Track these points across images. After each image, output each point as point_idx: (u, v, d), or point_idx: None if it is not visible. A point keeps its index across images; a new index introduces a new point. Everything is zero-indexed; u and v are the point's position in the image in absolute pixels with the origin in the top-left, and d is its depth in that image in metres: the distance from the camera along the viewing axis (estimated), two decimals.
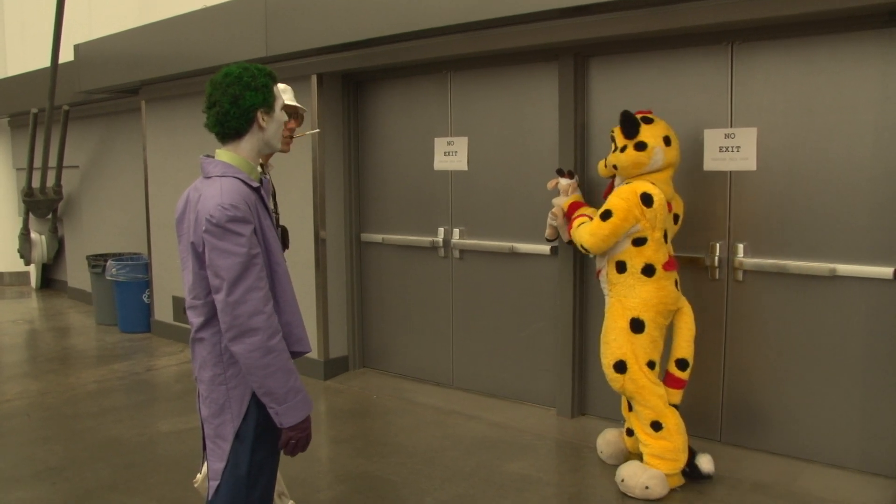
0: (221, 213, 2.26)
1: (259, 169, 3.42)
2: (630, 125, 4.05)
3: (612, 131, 4.17)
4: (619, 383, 4.07)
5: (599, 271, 4.26)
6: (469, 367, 5.83)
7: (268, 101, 2.45)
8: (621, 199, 3.96)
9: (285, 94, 3.48)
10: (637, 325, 4.02)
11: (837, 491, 3.99)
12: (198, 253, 2.33)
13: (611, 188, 4.23)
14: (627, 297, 4.04)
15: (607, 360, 4.10)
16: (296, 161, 6.04)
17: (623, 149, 4.05)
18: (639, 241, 4.00)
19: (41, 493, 4.20)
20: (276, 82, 2.52)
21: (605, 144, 4.66)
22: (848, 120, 4.07)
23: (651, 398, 4.03)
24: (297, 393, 2.36)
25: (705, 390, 4.62)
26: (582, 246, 4.12)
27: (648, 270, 3.99)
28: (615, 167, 4.13)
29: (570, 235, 4.40)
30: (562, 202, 4.54)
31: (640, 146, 4.02)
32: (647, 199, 3.95)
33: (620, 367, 4.04)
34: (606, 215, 3.97)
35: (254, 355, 2.27)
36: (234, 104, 2.39)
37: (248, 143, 2.46)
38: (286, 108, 3.42)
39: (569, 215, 4.46)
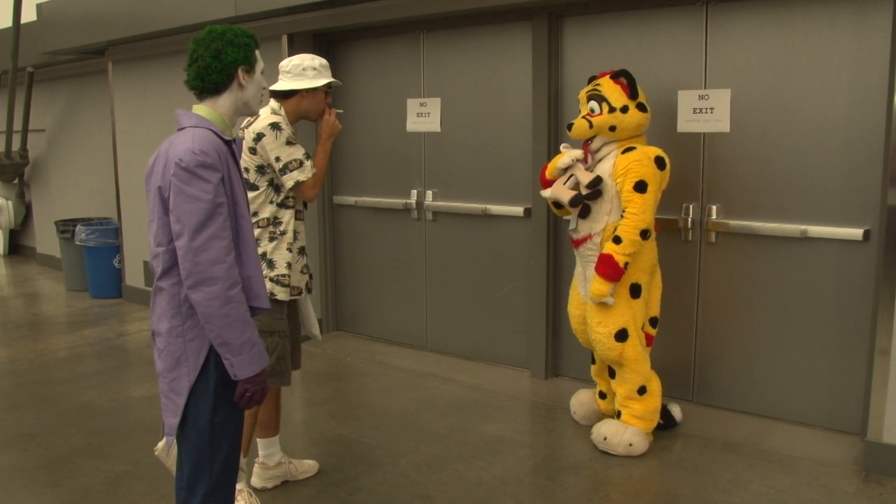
0: (191, 157, 2.26)
1: (290, 127, 3.51)
2: (634, 84, 3.98)
3: (599, 90, 4.00)
4: (616, 352, 3.99)
5: (586, 238, 4.05)
6: (443, 330, 5.84)
7: (249, 59, 2.49)
8: (644, 165, 3.85)
9: (326, 70, 3.59)
10: (636, 291, 4.02)
11: (805, 448, 4.06)
12: (164, 198, 2.32)
13: (586, 150, 4.08)
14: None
15: (608, 329, 3.99)
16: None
17: (625, 109, 3.95)
18: None
19: (13, 459, 4.17)
20: (257, 45, 2.54)
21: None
22: (822, 81, 4.07)
23: (643, 365, 4.05)
24: (253, 346, 2.36)
25: (677, 351, 4.66)
26: (642, 231, 3.83)
27: (645, 234, 3.89)
28: (612, 128, 3.96)
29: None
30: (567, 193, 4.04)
31: (642, 107, 4.00)
32: (661, 163, 3.93)
33: (622, 335, 3.98)
34: (644, 187, 3.83)
35: (212, 304, 2.25)
36: (215, 58, 2.41)
37: (227, 101, 2.48)
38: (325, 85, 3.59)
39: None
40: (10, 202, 10.61)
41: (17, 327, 7.04)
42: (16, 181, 10.37)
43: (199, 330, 2.37)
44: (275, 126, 3.43)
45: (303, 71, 3.51)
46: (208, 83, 2.44)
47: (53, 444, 4.34)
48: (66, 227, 8.44)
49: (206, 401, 2.40)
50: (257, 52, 2.54)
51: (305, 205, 3.69)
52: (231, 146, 2.45)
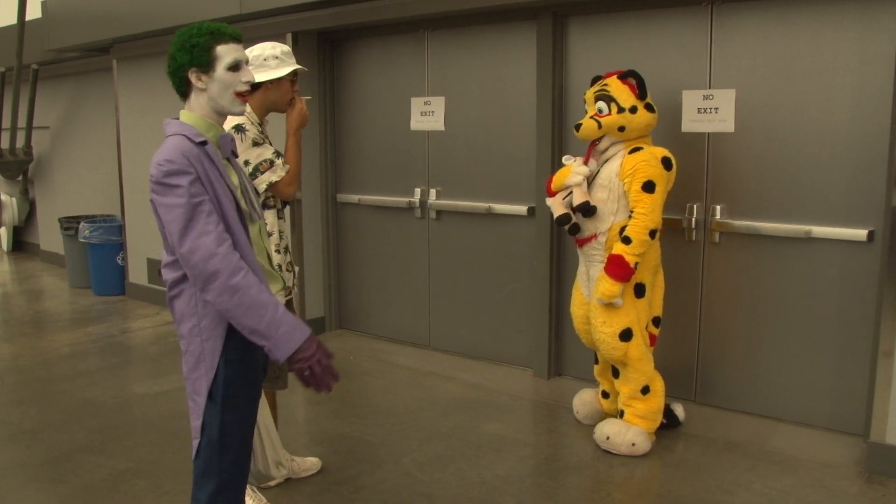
0: (158, 170, 2.26)
1: (256, 126, 3.44)
2: (644, 85, 3.97)
3: (608, 90, 3.98)
4: (621, 352, 3.99)
5: (591, 238, 4.07)
6: (446, 328, 5.84)
7: (197, 60, 2.36)
8: (651, 166, 3.85)
9: (289, 57, 3.44)
10: (640, 290, 4.02)
11: (808, 449, 4.05)
12: (156, 211, 2.33)
13: (591, 150, 4.11)
14: None
15: (612, 328, 3.98)
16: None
17: (633, 109, 3.94)
18: None
19: (16, 455, 4.17)
20: (218, 42, 2.37)
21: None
22: (827, 82, 4.06)
23: (647, 365, 4.05)
24: (282, 324, 2.26)
25: (680, 351, 4.66)
26: (651, 231, 3.86)
27: (653, 234, 3.89)
28: (621, 129, 3.95)
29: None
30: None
31: (650, 108, 4.00)
32: (667, 163, 3.92)
33: (627, 335, 3.97)
34: (652, 187, 3.83)
35: (222, 299, 2.23)
36: (169, 63, 2.40)
37: (196, 102, 2.43)
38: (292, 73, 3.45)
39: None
40: (14, 199, 10.63)
41: (21, 324, 7.05)
42: (20, 178, 10.38)
43: (214, 329, 2.37)
44: (238, 129, 3.31)
45: (264, 61, 3.35)
46: (175, 87, 2.43)
47: (56, 441, 4.34)
48: (69, 224, 8.45)
49: (217, 403, 2.40)
50: (219, 48, 2.36)
51: (285, 203, 3.61)
52: (205, 146, 2.36)
